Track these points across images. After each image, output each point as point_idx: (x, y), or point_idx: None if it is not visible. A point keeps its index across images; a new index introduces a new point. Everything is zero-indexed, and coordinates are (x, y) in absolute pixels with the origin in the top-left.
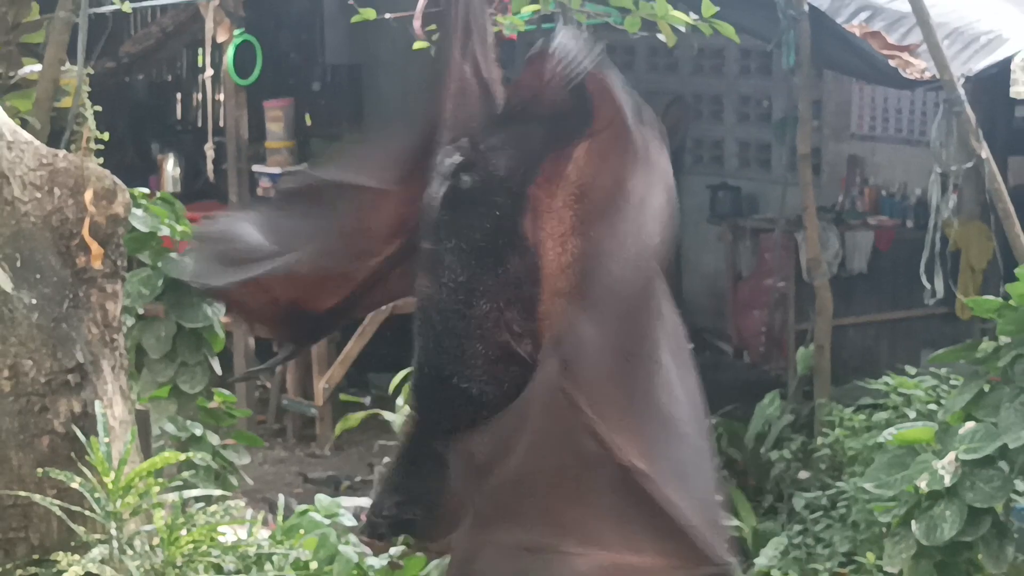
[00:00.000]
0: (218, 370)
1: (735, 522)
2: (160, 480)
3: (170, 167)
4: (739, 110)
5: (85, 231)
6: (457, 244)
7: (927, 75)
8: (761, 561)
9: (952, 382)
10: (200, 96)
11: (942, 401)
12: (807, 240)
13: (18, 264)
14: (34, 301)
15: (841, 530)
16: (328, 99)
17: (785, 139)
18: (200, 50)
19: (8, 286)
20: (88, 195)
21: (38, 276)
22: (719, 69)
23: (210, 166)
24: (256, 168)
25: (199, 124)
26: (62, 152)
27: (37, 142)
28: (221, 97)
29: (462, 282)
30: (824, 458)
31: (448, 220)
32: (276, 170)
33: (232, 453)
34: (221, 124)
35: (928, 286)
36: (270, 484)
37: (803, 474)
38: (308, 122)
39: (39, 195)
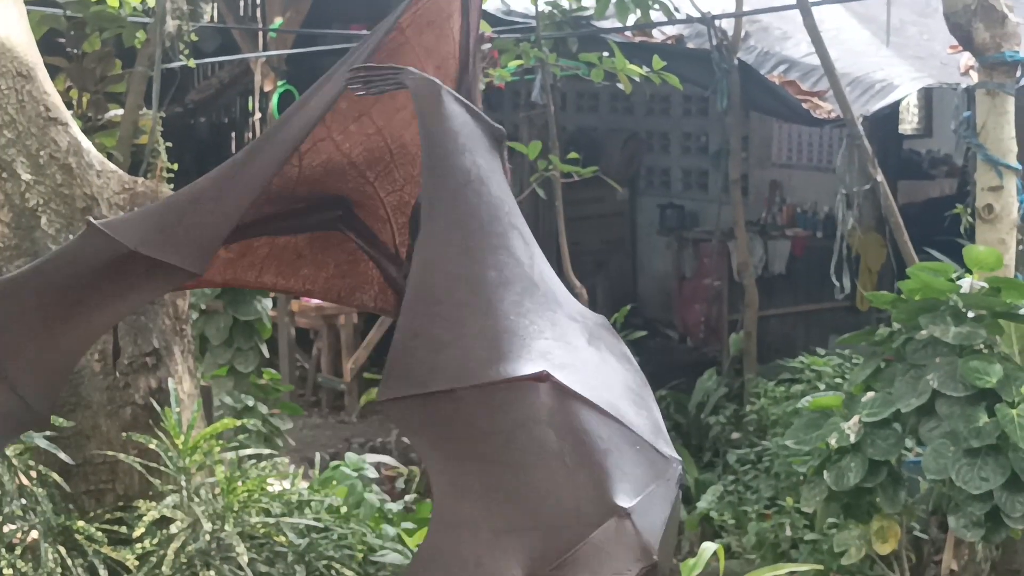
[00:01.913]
0: (266, 353)
1: None
2: (220, 442)
3: None
4: (682, 144)
5: None
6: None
7: (833, 115)
8: (702, 505)
9: (854, 361)
10: (250, 135)
11: (846, 376)
12: (737, 247)
13: None
14: None
15: (766, 479)
16: None
17: (720, 167)
18: (250, 97)
19: None
20: None
21: None
22: (666, 111)
23: None
24: None
25: None
26: (140, 179)
27: (120, 171)
28: None
29: None
30: (752, 422)
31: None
32: None
33: (278, 420)
34: None
35: (837, 284)
36: (309, 445)
37: (735, 435)
38: None
39: (122, 214)
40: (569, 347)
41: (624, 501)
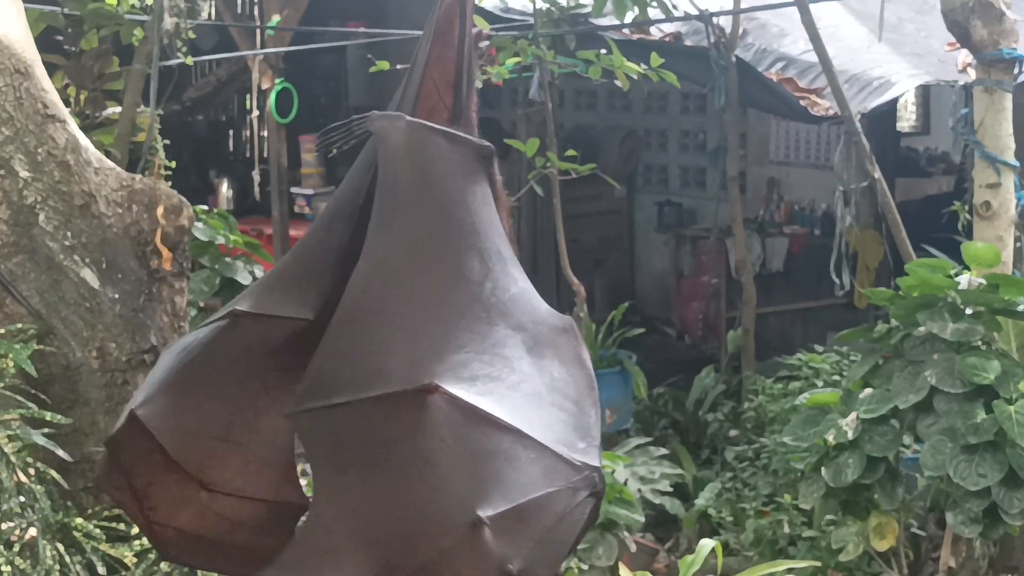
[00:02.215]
0: None
1: (679, 471)
2: None
3: (224, 189)
4: (680, 142)
5: (157, 239)
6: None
7: (830, 112)
8: (700, 502)
9: (852, 358)
10: (248, 132)
11: (844, 373)
12: (736, 245)
13: (104, 266)
14: (117, 296)
15: (763, 476)
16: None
17: (718, 165)
18: (248, 95)
19: (96, 284)
20: (160, 210)
21: (120, 276)
22: (664, 109)
23: (257, 188)
24: (294, 190)
25: (247, 155)
26: (138, 176)
27: (118, 168)
28: (265, 133)
29: None
30: (750, 419)
31: None
32: (310, 191)
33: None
34: (265, 155)
35: (837, 281)
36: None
37: (733, 432)
38: (334, 153)
39: (120, 210)
40: (493, 358)
41: (485, 510)
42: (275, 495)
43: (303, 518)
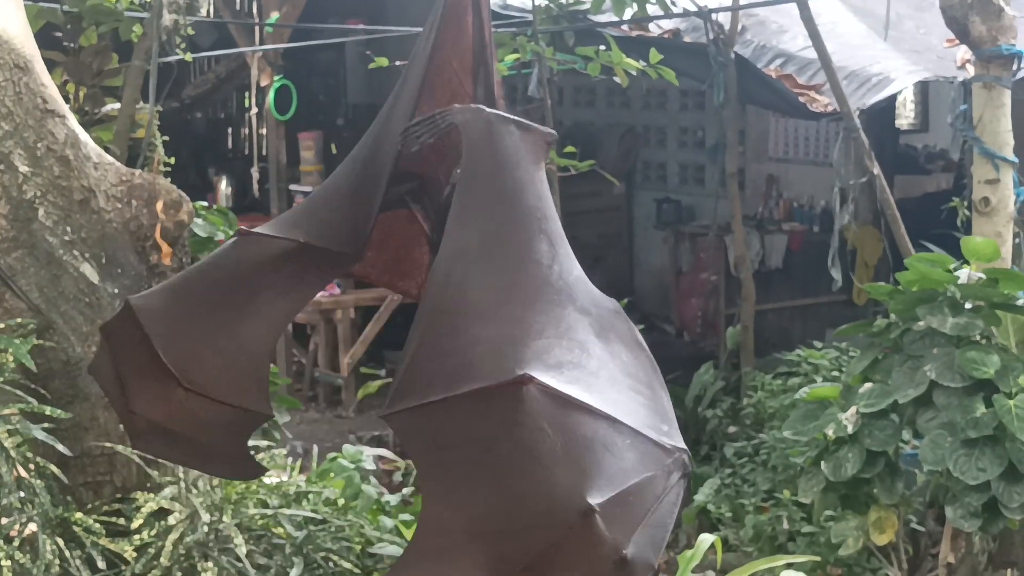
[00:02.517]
0: None
1: None
2: None
3: (223, 186)
4: (679, 138)
5: (157, 234)
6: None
7: (829, 108)
8: (699, 498)
9: (851, 354)
10: (247, 130)
11: (843, 369)
12: (735, 241)
13: (103, 261)
14: (116, 291)
15: (763, 472)
16: (350, 132)
17: (716, 161)
18: (247, 93)
19: (96, 279)
20: (159, 205)
21: (119, 271)
22: (663, 106)
23: (256, 186)
24: (292, 187)
25: (246, 152)
26: (138, 171)
27: (118, 163)
28: (264, 131)
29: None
30: (749, 415)
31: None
32: (308, 188)
33: (275, 413)
34: (264, 152)
35: (834, 276)
36: (306, 440)
37: (732, 428)
38: (334, 150)
39: (120, 205)
40: (571, 343)
41: (594, 498)
42: (245, 402)
43: None
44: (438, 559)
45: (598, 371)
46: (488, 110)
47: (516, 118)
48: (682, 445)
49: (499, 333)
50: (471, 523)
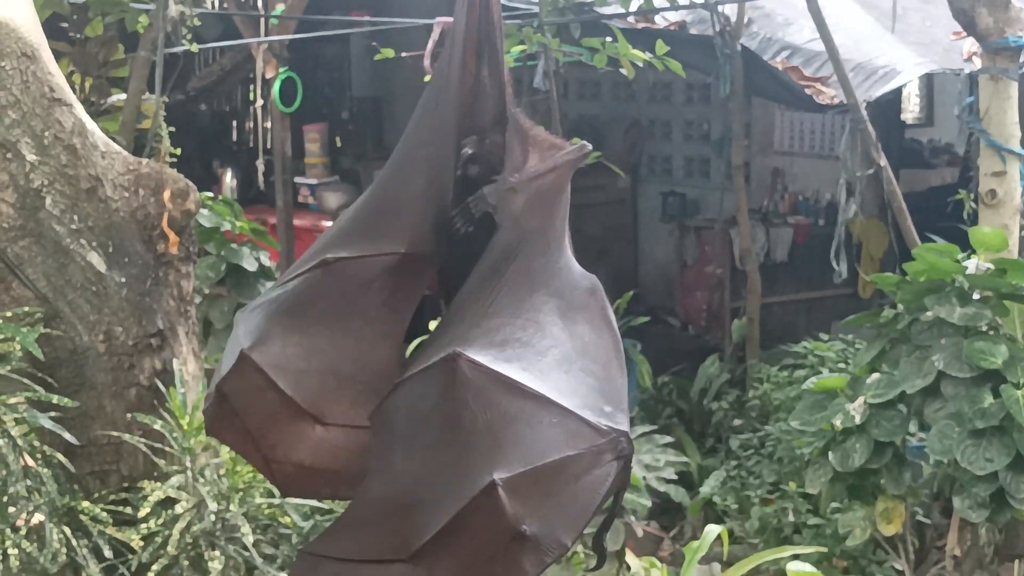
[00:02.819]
0: None
1: (684, 459)
2: None
3: (228, 179)
4: (684, 132)
5: (164, 223)
6: (460, 218)
7: (836, 101)
8: (705, 489)
9: (857, 346)
10: (252, 122)
11: (849, 361)
12: (740, 234)
13: (110, 250)
14: (123, 280)
15: (768, 465)
16: (354, 125)
17: (722, 154)
18: (252, 85)
19: (103, 267)
20: (166, 194)
21: (126, 260)
22: (668, 99)
23: (261, 178)
24: (297, 179)
25: (251, 144)
26: (145, 160)
27: (125, 152)
28: (268, 124)
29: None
30: (754, 407)
31: (457, 201)
32: (314, 181)
33: None
34: (268, 145)
35: (836, 268)
36: None
37: (737, 421)
38: (338, 143)
39: (127, 194)
40: (526, 323)
41: (501, 472)
42: None
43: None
44: (357, 530)
45: (547, 351)
46: (515, 179)
47: (554, 165)
48: (622, 427)
49: (467, 324)
50: (396, 495)
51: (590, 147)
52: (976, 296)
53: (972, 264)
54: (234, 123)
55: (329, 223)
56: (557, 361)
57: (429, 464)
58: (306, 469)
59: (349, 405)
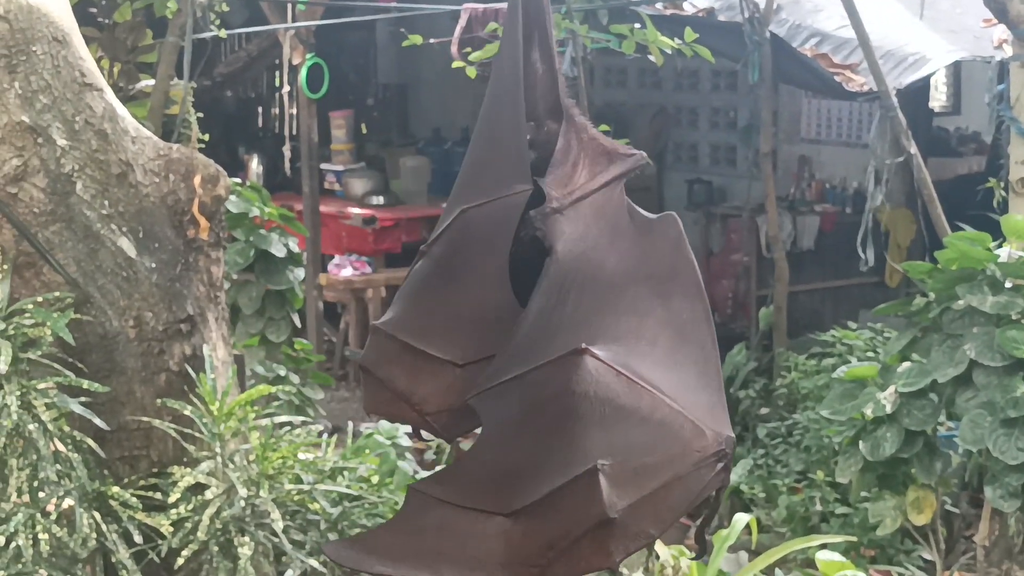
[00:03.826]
0: (298, 323)
1: None
2: (255, 408)
3: (254, 165)
4: (711, 119)
5: (194, 209)
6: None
7: (865, 88)
8: (732, 478)
9: (886, 335)
10: (277, 108)
11: (878, 349)
12: (768, 220)
13: (141, 235)
14: (153, 265)
15: (795, 453)
16: (380, 111)
17: (748, 142)
18: (278, 72)
19: (132, 253)
20: (197, 179)
21: (156, 245)
22: (695, 86)
23: (287, 164)
24: (323, 166)
25: (277, 131)
26: (175, 145)
27: (155, 137)
28: (294, 110)
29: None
30: (782, 396)
31: None
32: (340, 167)
33: (309, 390)
34: (294, 132)
35: (862, 256)
36: (337, 418)
37: (764, 409)
38: (364, 130)
39: (157, 180)
40: (631, 316)
41: (606, 460)
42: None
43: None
44: (464, 483)
45: (655, 340)
46: (566, 210)
47: (606, 181)
48: (726, 431)
49: (574, 317)
50: (505, 462)
51: (645, 157)
52: (1008, 284)
53: (1004, 252)
54: (260, 109)
55: (355, 210)
56: (666, 352)
57: (541, 442)
58: (457, 412)
59: (479, 342)
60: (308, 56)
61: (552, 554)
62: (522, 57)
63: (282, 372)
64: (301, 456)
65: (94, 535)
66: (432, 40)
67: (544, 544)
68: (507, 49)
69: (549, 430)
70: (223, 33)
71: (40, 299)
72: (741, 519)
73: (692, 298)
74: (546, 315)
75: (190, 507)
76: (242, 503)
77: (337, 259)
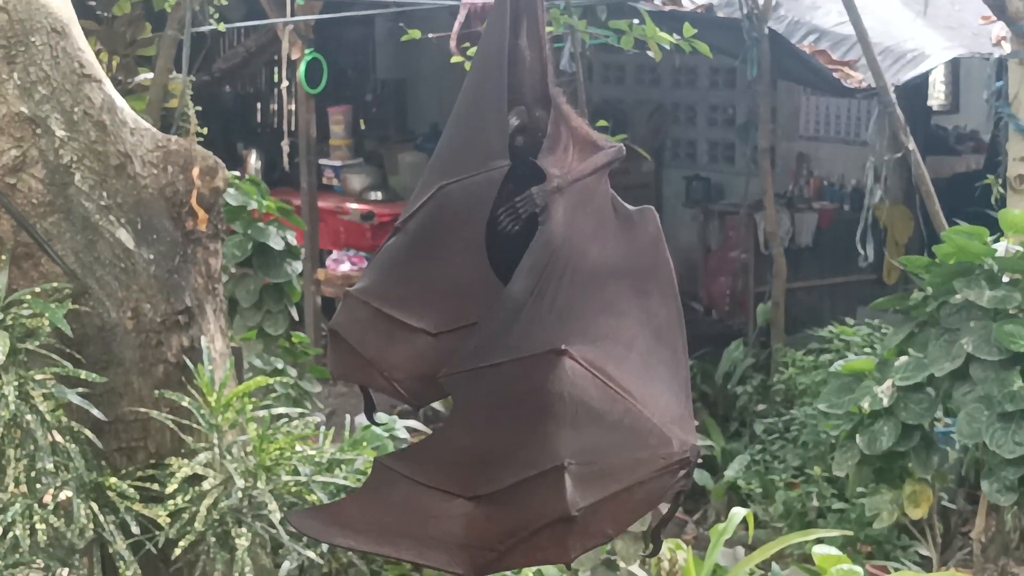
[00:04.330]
0: (296, 317)
1: (708, 443)
2: (253, 399)
3: (253, 160)
4: (709, 116)
5: (193, 200)
6: (506, 218)
7: (863, 84)
8: (729, 473)
9: (883, 331)
10: (276, 104)
11: (875, 345)
12: (767, 217)
13: (139, 227)
14: (152, 256)
15: (792, 449)
16: (378, 107)
17: (746, 139)
18: (276, 67)
19: (131, 244)
20: (195, 171)
21: (155, 236)
22: (693, 83)
23: (285, 159)
24: (322, 161)
25: (275, 126)
26: (174, 137)
27: (154, 129)
28: (293, 106)
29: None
30: (779, 392)
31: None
32: (338, 163)
33: (306, 383)
34: (293, 127)
35: (861, 252)
36: (335, 412)
37: (761, 405)
38: (362, 125)
39: (155, 171)
40: (608, 317)
41: (572, 460)
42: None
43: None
44: (431, 463)
45: (632, 343)
46: (562, 183)
47: (594, 168)
48: (692, 439)
49: (549, 314)
50: (473, 447)
51: (624, 149)
52: (1005, 279)
53: (1001, 247)
54: (258, 105)
55: (353, 205)
56: (641, 356)
57: (512, 434)
58: (428, 380)
59: (452, 312)
60: (307, 51)
61: (511, 541)
62: (508, 41)
63: (280, 365)
64: (299, 449)
65: (91, 526)
66: (431, 35)
67: (504, 531)
68: (493, 32)
69: (521, 423)
70: (222, 27)
71: (38, 290)
72: (738, 514)
73: (667, 297)
74: (528, 302)
75: (187, 498)
76: (239, 494)
77: (335, 254)
